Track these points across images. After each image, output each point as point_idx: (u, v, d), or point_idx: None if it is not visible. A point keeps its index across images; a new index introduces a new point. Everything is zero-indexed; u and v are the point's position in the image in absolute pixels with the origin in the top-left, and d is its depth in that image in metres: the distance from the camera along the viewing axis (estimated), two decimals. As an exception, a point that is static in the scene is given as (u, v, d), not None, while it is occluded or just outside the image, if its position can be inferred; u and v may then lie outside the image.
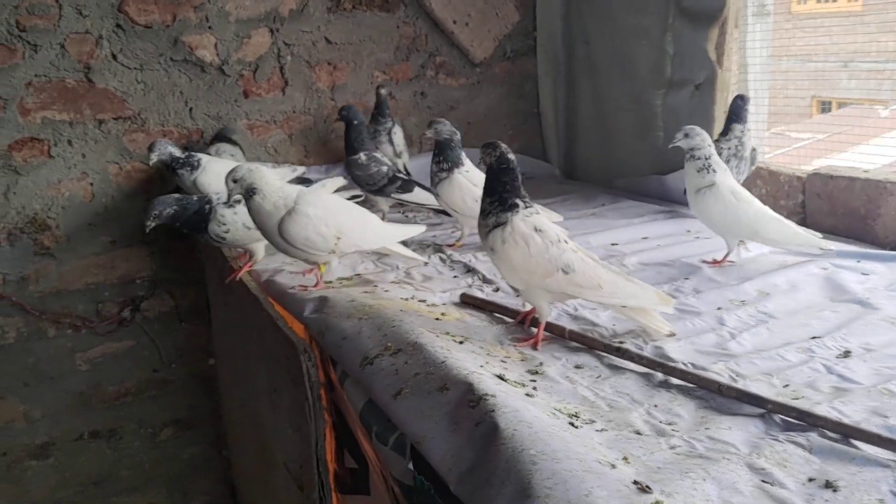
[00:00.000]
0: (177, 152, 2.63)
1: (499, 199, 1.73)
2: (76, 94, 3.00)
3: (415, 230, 2.23)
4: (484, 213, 1.75)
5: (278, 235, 1.97)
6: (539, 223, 1.73)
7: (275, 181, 1.99)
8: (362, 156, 2.74)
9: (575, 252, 1.72)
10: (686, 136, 2.25)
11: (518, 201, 1.73)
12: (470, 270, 2.29)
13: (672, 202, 3.07)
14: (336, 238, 1.99)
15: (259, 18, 3.23)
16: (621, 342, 1.71)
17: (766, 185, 2.86)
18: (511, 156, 1.76)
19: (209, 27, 3.16)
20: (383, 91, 3.21)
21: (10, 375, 3.14)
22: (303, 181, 2.91)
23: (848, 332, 1.73)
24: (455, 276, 2.25)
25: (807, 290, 2.02)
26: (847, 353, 1.63)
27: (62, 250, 3.11)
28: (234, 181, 1.95)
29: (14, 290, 3.07)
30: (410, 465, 1.37)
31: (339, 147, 3.48)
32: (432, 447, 1.29)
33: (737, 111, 2.66)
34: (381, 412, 1.50)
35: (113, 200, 3.15)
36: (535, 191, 3.42)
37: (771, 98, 3.40)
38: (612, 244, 2.51)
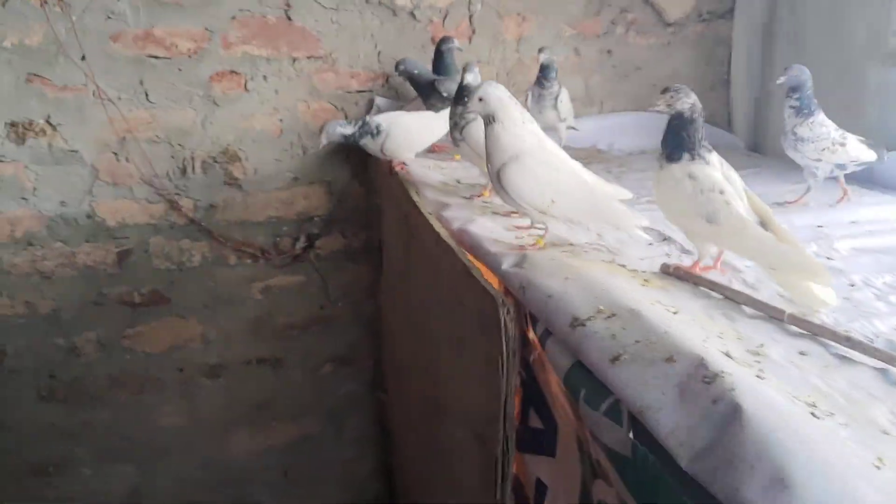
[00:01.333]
0: (347, 130, 2.66)
1: (669, 149, 1.78)
2: (276, 31, 3.08)
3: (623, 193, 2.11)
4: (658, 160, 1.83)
5: (496, 174, 1.95)
6: (695, 171, 1.75)
7: (519, 121, 1.95)
8: None
9: (728, 205, 1.72)
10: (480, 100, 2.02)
11: (685, 153, 1.76)
12: (665, 239, 2.19)
13: (881, 186, 2.84)
14: (550, 201, 1.94)
15: (453, -35, 3.19)
16: (847, 331, 1.58)
17: None
18: (699, 105, 1.78)
19: (405, -30, 3.15)
20: (543, 56, 2.98)
21: (193, 297, 3.32)
22: None
23: None
24: (650, 244, 2.16)
25: None
26: None
27: (249, 182, 3.23)
28: (480, 99, 1.92)
29: (203, 216, 3.23)
30: (631, 435, 1.31)
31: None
32: (659, 419, 1.23)
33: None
34: (592, 376, 1.45)
35: (299, 138, 3.23)
36: (721, 162, 3.24)
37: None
38: (818, 226, 2.34)
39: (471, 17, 3.27)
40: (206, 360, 3.42)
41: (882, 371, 1.44)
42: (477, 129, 2.40)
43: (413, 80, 2.97)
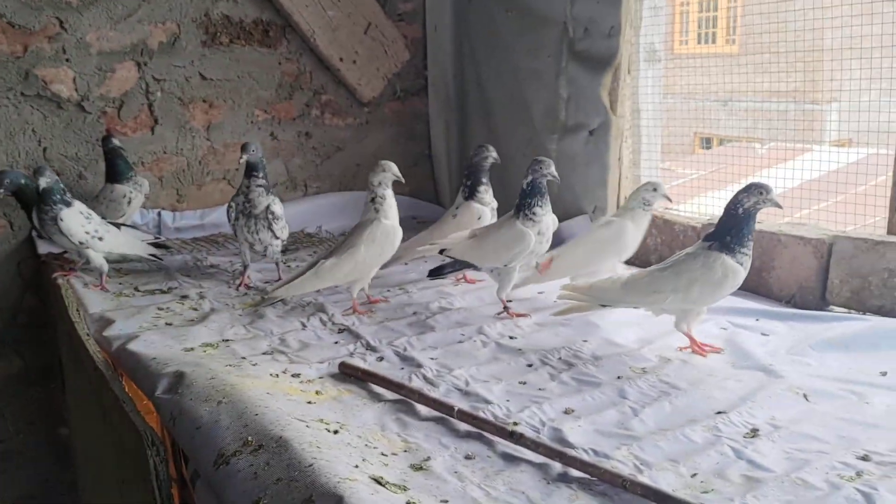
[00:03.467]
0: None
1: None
2: None
3: None
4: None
5: None
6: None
7: None
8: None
9: None
10: None
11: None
12: (353, 335, 2.08)
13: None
14: None
15: (124, 51, 2.95)
16: (516, 423, 1.55)
17: (662, 234, 2.79)
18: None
19: (67, 59, 2.86)
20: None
21: None
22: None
23: (753, 406, 1.62)
24: (336, 343, 2.04)
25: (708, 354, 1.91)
26: (755, 432, 1.51)
27: None
28: None
29: None
30: None
31: (216, 190, 3.24)
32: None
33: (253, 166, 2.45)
34: (237, 525, 1.27)
35: (-55, 253, 2.79)
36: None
37: (656, 135, 3.37)
38: (508, 301, 2.35)
39: (150, 105, 3.04)
40: None
41: (543, 466, 1.40)
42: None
43: (20, 192, 2.43)
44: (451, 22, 3.48)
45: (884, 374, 1.77)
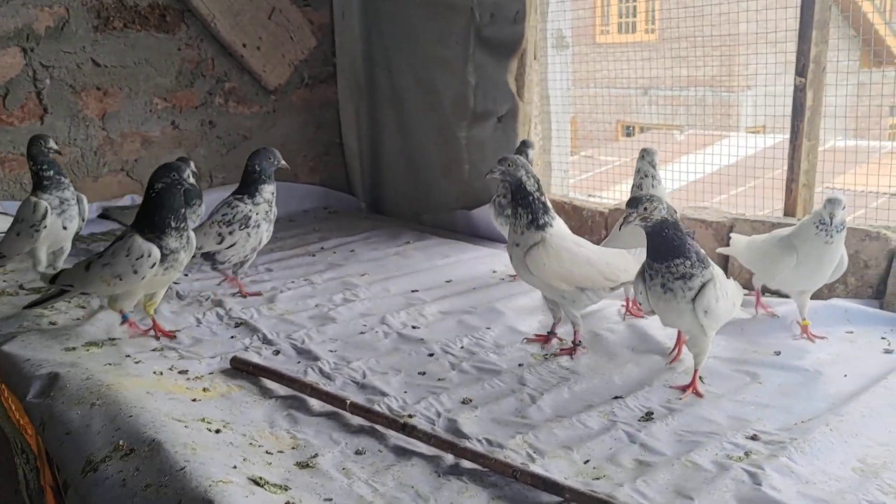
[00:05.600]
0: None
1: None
2: None
3: None
4: None
5: None
6: None
7: None
8: None
9: None
10: None
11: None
12: (251, 329, 2.00)
13: (480, 237, 2.94)
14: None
15: (7, 36, 2.78)
16: (410, 415, 1.50)
17: (571, 219, 2.78)
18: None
19: (-57, 44, 2.68)
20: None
21: None
22: None
23: (650, 390, 1.61)
24: (232, 337, 1.96)
25: (610, 339, 1.90)
26: (649, 416, 1.51)
27: None
28: None
29: None
30: None
31: (114, 182, 3.11)
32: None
33: (265, 172, 2.29)
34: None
35: None
36: (337, 227, 3.18)
37: (579, 123, 3.36)
38: (413, 291, 2.31)
39: (39, 93, 2.88)
40: None
41: (435, 459, 1.36)
42: None
43: None
44: (359, 8, 3.41)
45: (777, 353, 1.79)
